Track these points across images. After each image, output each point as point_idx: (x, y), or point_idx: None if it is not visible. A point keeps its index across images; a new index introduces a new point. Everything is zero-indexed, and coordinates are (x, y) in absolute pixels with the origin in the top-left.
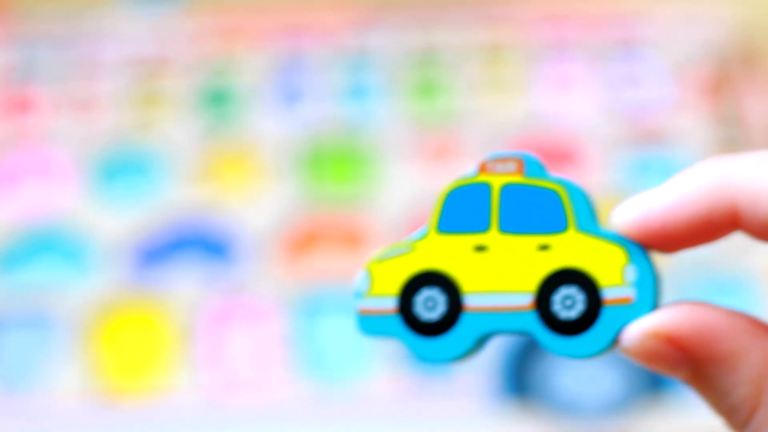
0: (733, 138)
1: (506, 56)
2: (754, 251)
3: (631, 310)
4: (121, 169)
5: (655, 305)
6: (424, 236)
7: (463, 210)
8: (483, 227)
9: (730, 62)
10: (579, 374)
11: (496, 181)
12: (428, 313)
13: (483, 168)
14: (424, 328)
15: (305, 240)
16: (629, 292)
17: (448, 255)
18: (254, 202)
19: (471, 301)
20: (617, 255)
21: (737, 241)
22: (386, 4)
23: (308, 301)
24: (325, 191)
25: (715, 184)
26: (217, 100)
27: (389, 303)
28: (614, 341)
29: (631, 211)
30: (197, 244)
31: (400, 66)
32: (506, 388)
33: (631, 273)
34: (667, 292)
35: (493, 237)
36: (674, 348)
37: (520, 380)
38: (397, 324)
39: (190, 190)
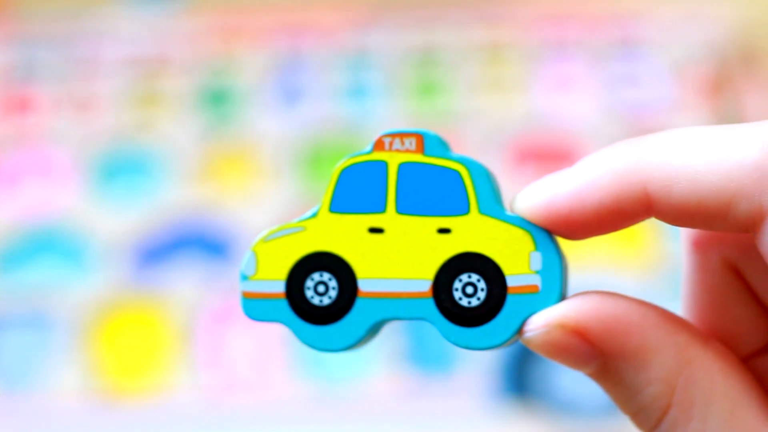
0: None
1: (506, 56)
2: None
3: (537, 299)
4: (121, 169)
5: (561, 295)
6: (314, 216)
7: (357, 189)
8: (379, 208)
9: (730, 62)
10: (579, 374)
11: (394, 159)
12: (319, 297)
13: (379, 144)
14: (314, 313)
15: None
16: (535, 281)
17: (341, 236)
18: (254, 201)
19: (365, 286)
20: (523, 240)
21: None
22: (386, 4)
23: None
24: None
25: (625, 168)
26: (217, 100)
27: (276, 287)
28: (518, 332)
29: (537, 195)
30: (197, 243)
31: (399, 66)
32: (506, 387)
33: (537, 260)
34: (664, 293)
35: (389, 218)
36: (581, 341)
37: (520, 380)
38: (285, 309)
39: (190, 190)
